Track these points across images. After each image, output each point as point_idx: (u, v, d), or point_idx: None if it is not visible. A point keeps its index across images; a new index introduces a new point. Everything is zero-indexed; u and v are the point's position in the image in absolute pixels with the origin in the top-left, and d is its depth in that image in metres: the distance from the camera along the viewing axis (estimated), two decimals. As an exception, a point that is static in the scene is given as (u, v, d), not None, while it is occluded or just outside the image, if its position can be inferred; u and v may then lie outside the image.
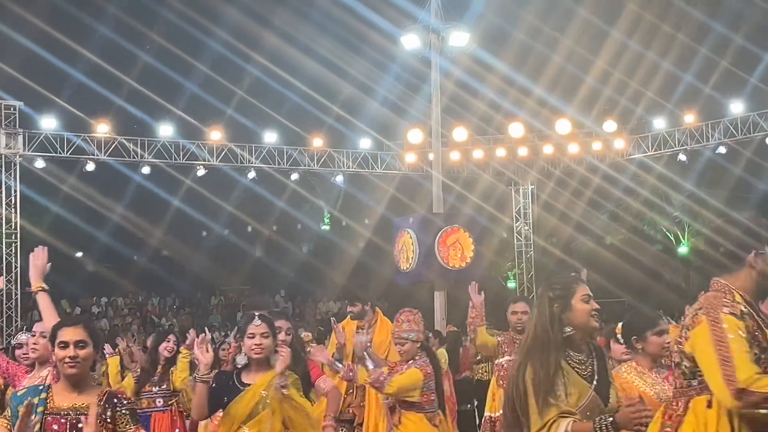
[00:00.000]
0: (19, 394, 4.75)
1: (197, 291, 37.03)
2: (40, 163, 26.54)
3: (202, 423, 8.83)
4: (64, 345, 4.62)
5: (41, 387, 4.73)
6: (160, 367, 9.86)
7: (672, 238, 35.72)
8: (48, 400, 4.63)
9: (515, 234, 31.10)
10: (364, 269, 35.07)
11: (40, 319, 6.57)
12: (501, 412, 8.42)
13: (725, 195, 33.51)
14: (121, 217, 34.58)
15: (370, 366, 7.82)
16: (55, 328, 4.75)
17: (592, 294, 4.63)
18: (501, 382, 8.91)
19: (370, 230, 32.92)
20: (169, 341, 9.93)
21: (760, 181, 32.47)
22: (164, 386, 9.77)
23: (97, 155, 26.56)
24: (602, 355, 4.58)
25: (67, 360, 4.60)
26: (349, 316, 9.83)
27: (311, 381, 6.84)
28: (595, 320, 4.58)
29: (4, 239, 25.85)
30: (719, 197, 33.34)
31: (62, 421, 4.57)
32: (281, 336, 6.73)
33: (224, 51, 32.33)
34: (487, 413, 9.24)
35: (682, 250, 35.55)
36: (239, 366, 6.12)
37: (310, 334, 15.71)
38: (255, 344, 6.00)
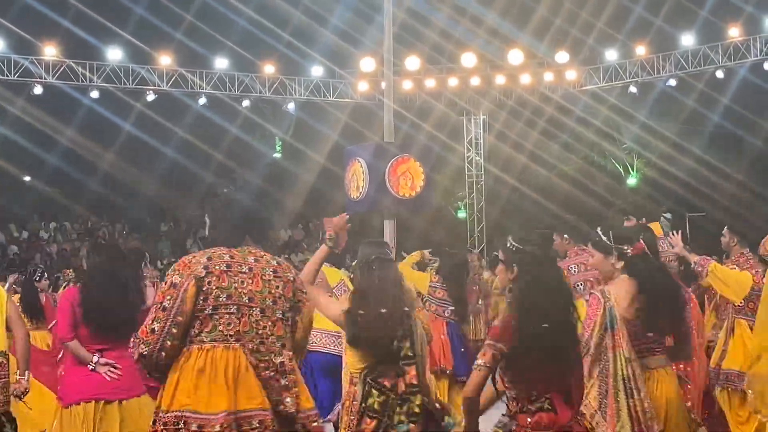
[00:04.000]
0: None
1: (147, 216, 36.85)
2: (-14, 86, 26.23)
3: None
4: None
5: None
6: None
7: (621, 170, 36.03)
8: None
9: (466, 164, 31.22)
10: (318, 196, 35.03)
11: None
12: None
13: (677, 127, 33.82)
14: (71, 141, 34.20)
15: None
16: None
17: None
18: None
19: (323, 157, 32.82)
20: None
21: (711, 113, 32.76)
22: None
23: (45, 78, 26.23)
24: None
25: None
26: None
27: None
28: None
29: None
30: (671, 129, 33.64)
31: None
32: None
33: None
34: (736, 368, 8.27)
35: (631, 181, 35.90)
36: None
37: None
38: None
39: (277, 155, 38.83)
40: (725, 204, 31.37)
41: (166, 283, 4.55)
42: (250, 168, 36.62)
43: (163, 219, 36.71)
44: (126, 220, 35.47)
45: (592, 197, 34.08)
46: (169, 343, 4.43)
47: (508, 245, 4.86)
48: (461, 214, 34.01)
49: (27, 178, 38.06)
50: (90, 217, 34.94)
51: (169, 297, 4.48)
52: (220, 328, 4.40)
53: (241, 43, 28.97)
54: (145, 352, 4.46)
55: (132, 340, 6.43)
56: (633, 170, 35.87)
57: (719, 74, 26.85)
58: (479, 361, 4.58)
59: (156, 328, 4.45)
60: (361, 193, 22.20)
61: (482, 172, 31.19)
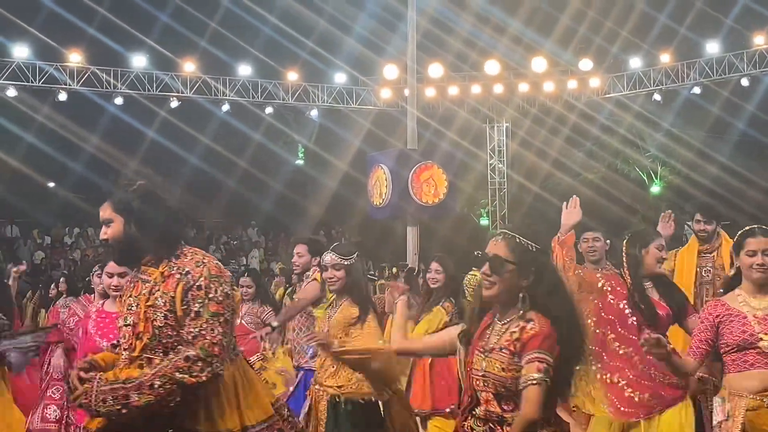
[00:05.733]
0: None
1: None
2: (12, 92, 26.34)
3: None
4: None
5: None
6: None
7: (645, 177, 35.86)
8: None
9: (489, 171, 31.17)
10: (340, 203, 35.03)
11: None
12: None
13: (701, 135, 33.64)
14: (95, 148, 34.30)
15: None
16: None
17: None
18: None
19: (346, 164, 32.84)
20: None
21: (736, 120, 32.58)
22: None
23: (70, 85, 26.38)
24: None
25: None
26: None
27: None
28: None
29: (-25, 168, 25.82)
30: (695, 137, 33.46)
31: None
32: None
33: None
34: None
35: (655, 189, 35.72)
36: None
37: None
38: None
39: (300, 162, 38.85)
40: (751, 212, 31.13)
41: (217, 293, 4.10)
42: (273, 175, 36.64)
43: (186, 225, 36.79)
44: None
45: (616, 205, 33.93)
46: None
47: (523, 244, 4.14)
48: (484, 222, 33.94)
49: (51, 185, 38.21)
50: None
51: (228, 309, 4.13)
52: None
53: (264, 51, 29.06)
54: (221, 371, 4.07)
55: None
56: (657, 178, 35.69)
57: (744, 82, 26.76)
58: (536, 375, 3.90)
59: (225, 343, 4.08)
60: (383, 199, 22.23)
61: (505, 180, 31.14)
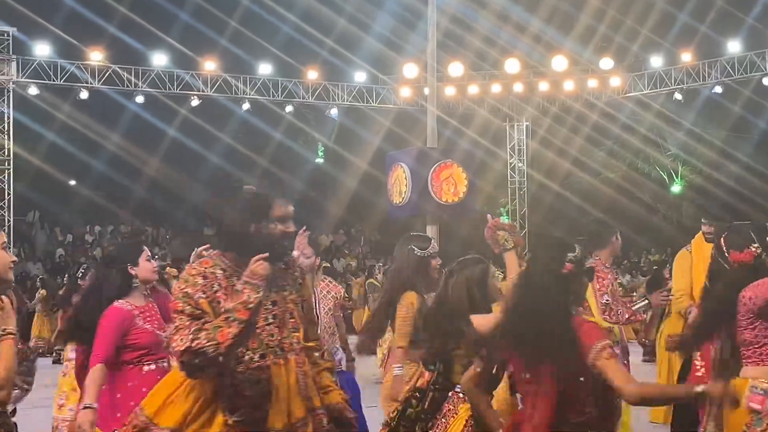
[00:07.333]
0: None
1: (191, 221, 37.03)
2: (33, 90, 26.54)
3: None
4: None
5: None
6: None
7: (665, 177, 35.76)
8: None
9: (509, 170, 31.14)
10: (360, 202, 35.08)
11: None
12: None
13: (722, 134, 33.52)
14: (116, 146, 34.46)
15: None
16: None
17: None
18: None
19: (366, 163, 32.87)
20: None
21: (758, 120, 32.45)
22: None
23: (91, 83, 26.52)
24: None
25: None
26: None
27: None
28: None
29: (-3, 166, 25.96)
30: (716, 136, 33.35)
31: None
32: None
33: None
34: None
35: (675, 188, 35.61)
36: None
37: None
38: None
39: (320, 161, 38.95)
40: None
41: None
42: (293, 173, 36.73)
43: (206, 224, 36.89)
44: (170, 225, 35.68)
45: (636, 204, 33.84)
46: None
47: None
48: (504, 221, 33.90)
49: (72, 183, 38.40)
50: (134, 222, 35.19)
51: None
52: None
53: (284, 49, 29.12)
54: None
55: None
56: (678, 177, 35.59)
57: (766, 81, 26.58)
58: None
59: None
60: (403, 198, 22.17)
61: (525, 179, 31.10)
